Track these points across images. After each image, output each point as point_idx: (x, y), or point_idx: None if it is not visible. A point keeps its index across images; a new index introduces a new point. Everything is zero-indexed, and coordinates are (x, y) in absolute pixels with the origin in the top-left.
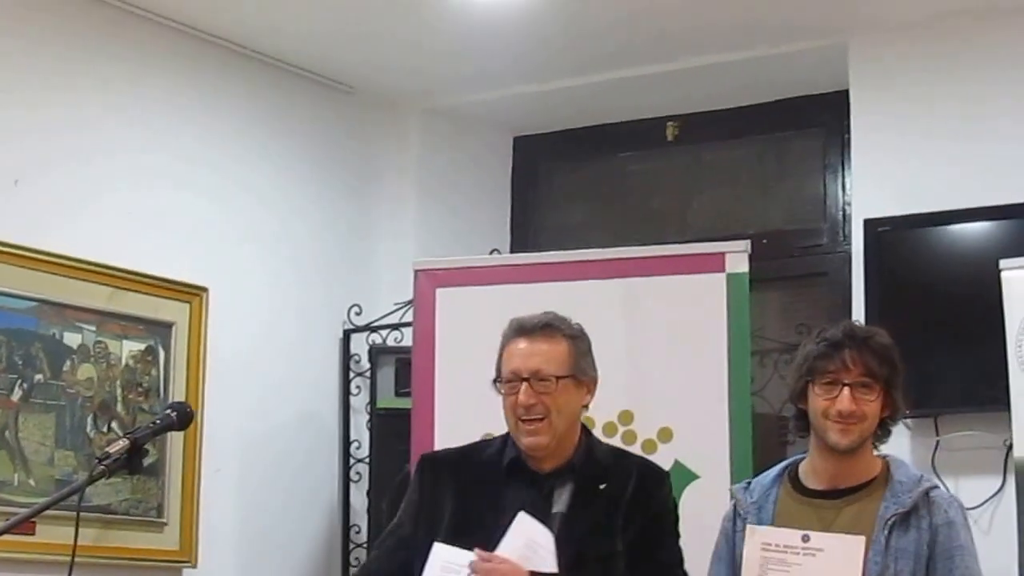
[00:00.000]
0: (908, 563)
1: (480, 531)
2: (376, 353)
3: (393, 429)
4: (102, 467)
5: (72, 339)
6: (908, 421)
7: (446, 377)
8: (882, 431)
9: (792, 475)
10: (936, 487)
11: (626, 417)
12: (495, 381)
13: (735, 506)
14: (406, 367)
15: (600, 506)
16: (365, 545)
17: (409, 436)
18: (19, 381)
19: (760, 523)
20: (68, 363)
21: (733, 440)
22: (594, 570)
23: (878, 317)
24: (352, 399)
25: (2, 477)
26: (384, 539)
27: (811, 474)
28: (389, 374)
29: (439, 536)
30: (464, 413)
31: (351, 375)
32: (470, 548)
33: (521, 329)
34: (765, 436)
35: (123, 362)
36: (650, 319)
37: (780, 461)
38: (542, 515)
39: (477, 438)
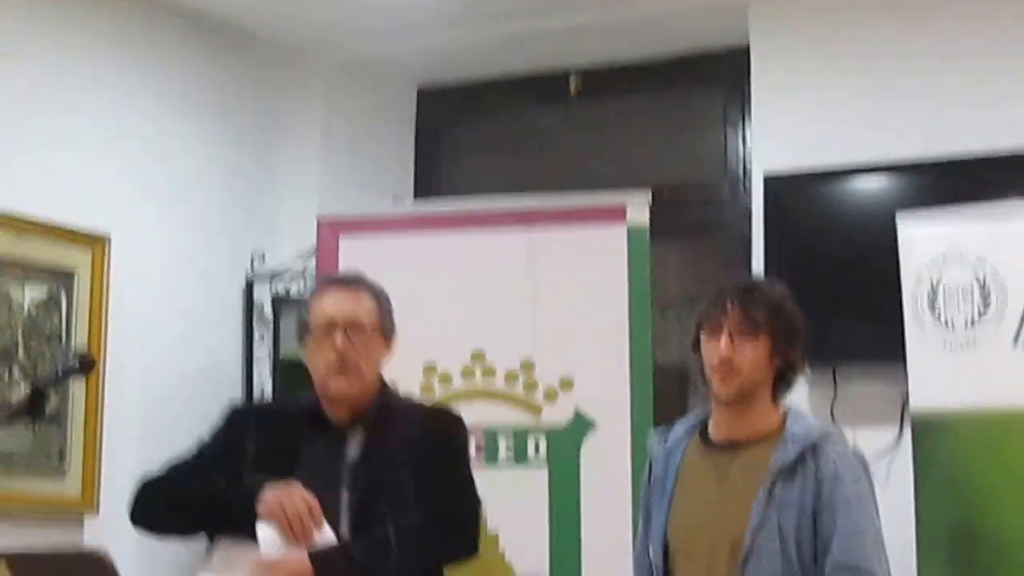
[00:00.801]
0: (792, 515)
1: (274, 478)
2: (279, 302)
3: (296, 378)
4: (3, 414)
5: None
6: (807, 373)
7: None
8: (781, 384)
9: (703, 425)
10: (829, 440)
11: (527, 366)
12: (303, 336)
13: (650, 453)
14: None
15: (388, 454)
16: None
17: (312, 386)
18: None
19: (667, 472)
20: None
21: (633, 390)
22: (383, 519)
23: (777, 270)
24: (255, 348)
25: None
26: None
27: (713, 426)
28: (292, 323)
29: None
30: None
31: (254, 324)
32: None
33: (333, 281)
34: (666, 387)
35: (25, 309)
36: (552, 269)
37: (681, 412)
38: (335, 465)
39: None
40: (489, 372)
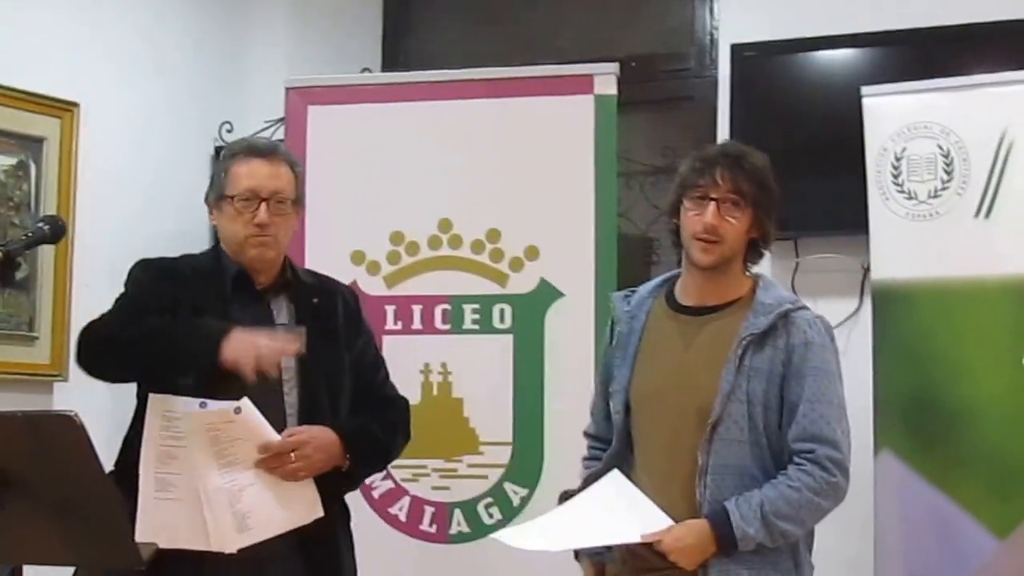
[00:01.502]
0: (761, 382)
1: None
2: None
3: None
4: None
5: None
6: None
7: (316, 195)
8: (752, 253)
9: (669, 290)
10: (800, 308)
11: (493, 235)
12: (219, 198)
13: (613, 313)
14: None
15: (318, 320)
16: None
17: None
18: None
19: (630, 333)
20: None
21: (599, 260)
22: (321, 385)
23: (742, 140)
24: None
25: None
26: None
27: (682, 291)
28: None
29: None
30: (333, 230)
31: None
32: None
33: (253, 150)
34: (630, 257)
35: (2, 177)
36: (518, 139)
37: (644, 282)
38: (268, 326)
39: (346, 255)
40: (456, 241)
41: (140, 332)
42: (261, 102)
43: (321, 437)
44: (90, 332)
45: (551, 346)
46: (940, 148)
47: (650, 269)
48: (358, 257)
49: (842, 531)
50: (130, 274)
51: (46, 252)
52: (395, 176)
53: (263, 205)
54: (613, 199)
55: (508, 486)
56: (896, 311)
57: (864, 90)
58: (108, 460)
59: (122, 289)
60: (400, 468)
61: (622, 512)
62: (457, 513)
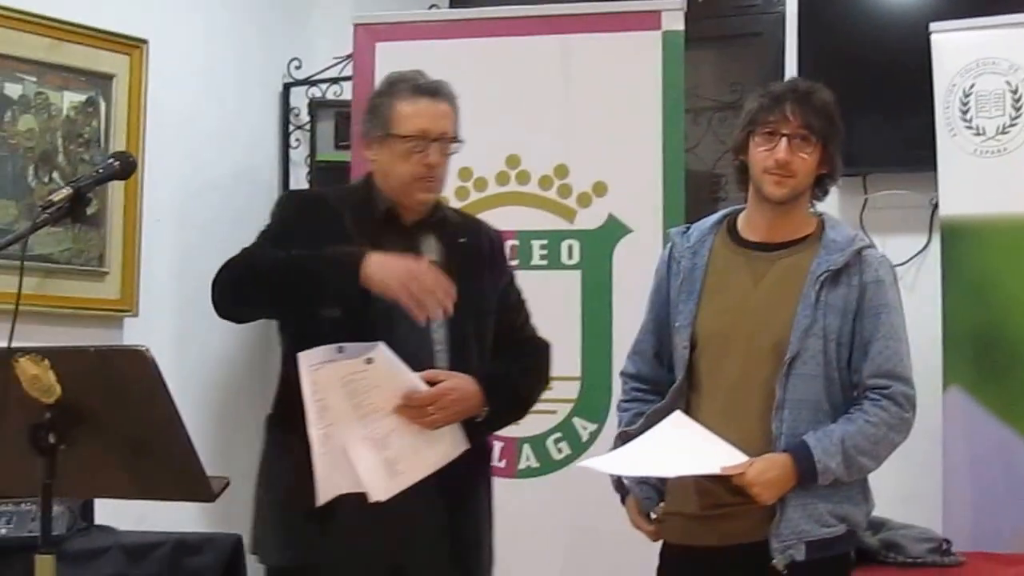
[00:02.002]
0: (836, 318)
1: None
2: (316, 107)
3: (332, 182)
4: (45, 215)
5: (12, 90)
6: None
7: None
8: (819, 189)
9: (730, 225)
10: (869, 246)
11: (561, 171)
12: (385, 135)
13: (671, 249)
14: (345, 121)
15: (466, 259)
16: None
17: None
18: None
19: (694, 268)
20: (8, 114)
21: (666, 196)
22: (469, 324)
23: (810, 77)
24: (292, 152)
25: None
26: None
27: (747, 226)
28: (329, 128)
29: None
30: None
31: (291, 128)
32: (364, 295)
33: (423, 89)
34: (697, 193)
35: (64, 113)
36: (586, 75)
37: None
38: None
39: None
40: (523, 177)
41: (279, 261)
42: (329, 39)
43: (462, 387)
44: (227, 267)
45: (619, 281)
46: (1008, 84)
47: (717, 205)
48: None
49: (910, 466)
50: (275, 207)
51: (116, 188)
52: (463, 112)
53: (432, 146)
54: (680, 135)
55: (577, 421)
56: (964, 247)
57: (932, 26)
58: (176, 393)
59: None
60: None
61: (695, 448)
62: (526, 448)
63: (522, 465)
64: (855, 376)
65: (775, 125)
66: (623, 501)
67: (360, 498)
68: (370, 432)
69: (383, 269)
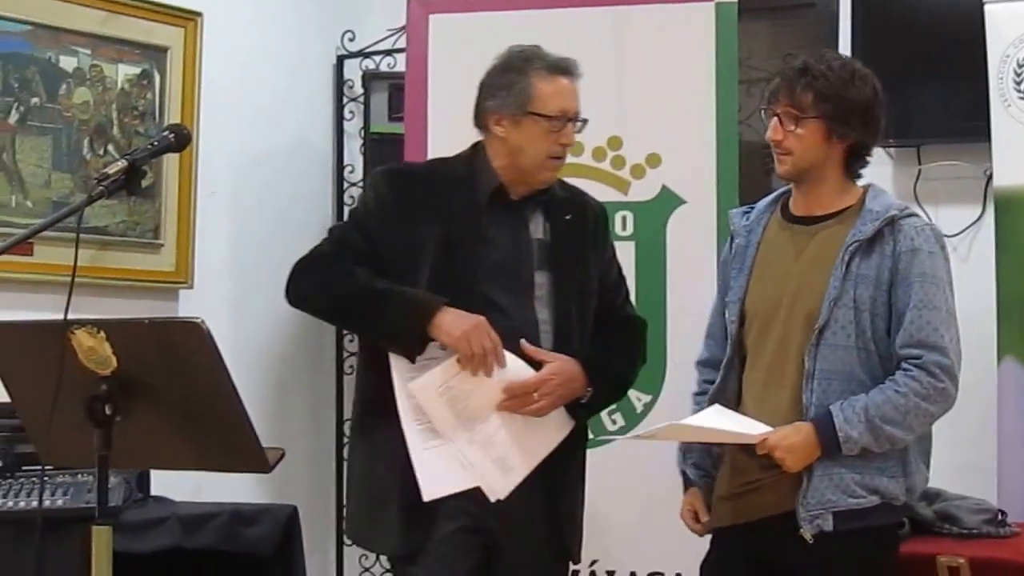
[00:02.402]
0: (868, 288)
1: (467, 258)
2: (369, 79)
3: (386, 154)
4: (101, 187)
5: (67, 63)
6: (891, 151)
7: (438, 102)
8: (853, 160)
9: (784, 202)
10: (909, 215)
11: (615, 142)
12: (524, 112)
13: (731, 230)
14: (399, 92)
15: (571, 237)
16: None
17: (401, 160)
18: (15, 104)
19: (747, 246)
20: (64, 87)
21: (719, 167)
22: (572, 304)
23: (864, 48)
24: (346, 124)
25: (0, 199)
26: (349, 238)
27: (792, 202)
28: (382, 100)
29: (422, 258)
30: (455, 138)
31: (345, 100)
32: (457, 275)
33: (560, 67)
34: (750, 164)
35: (118, 86)
36: (639, 46)
37: (765, 189)
38: (523, 240)
39: None
40: (577, 149)
41: (355, 290)
42: (383, 11)
43: (566, 370)
44: (304, 270)
45: (673, 253)
46: None
47: (770, 177)
48: None
49: (965, 437)
50: (371, 183)
51: (171, 161)
52: None
53: (570, 126)
54: (734, 106)
55: (631, 392)
56: (1018, 217)
57: None
58: (231, 365)
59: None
60: None
61: (732, 424)
62: None
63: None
64: (893, 348)
65: (771, 105)
66: (685, 491)
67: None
68: (475, 436)
69: (453, 323)
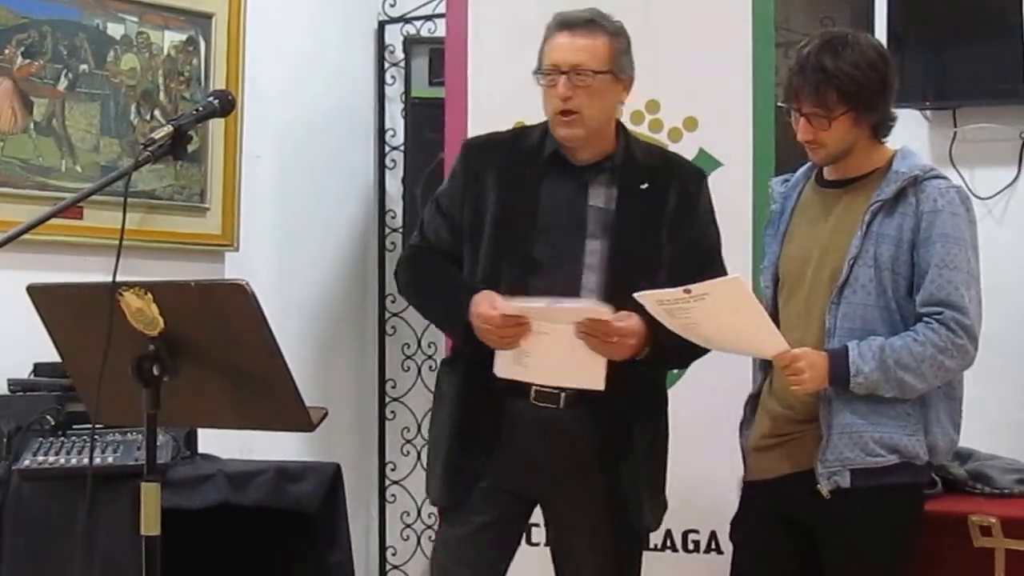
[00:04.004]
0: (889, 247)
1: (522, 220)
2: (410, 43)
3: (427, 118)
4: (147, 152)
5: (115, 30)
6: (927, 113)
7: (479, 67)
8: (879, 129)
9: (821, 167)
10: (934, 176)
11: (652, 106)
12: (536, 72)
13: (772, 198)
14: (440, 57)
15: (643, 210)
16: (400, 229)
17: (443, 125)
18: (64, 71)
19: (783, 212)
20: (111, 53)
21: (756, 130)
22: (628, 275)
23: (900, 10)
24: (387, 89)
25: (50, 163)
26: (432, 220)
27: (826, 167)
28: (423, 64)
29: (484, 226)
30: (496, 102)
31: (386, 65)
32: (511, 240)
33: (564, 23)
34: (787, 127)
35: (165, 52)
36: (676, 9)
37: (801, 151)
38: (578, 207)
39: (507, 126)
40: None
41: (417, 288)
42: None
43: (632, 328)
44: (399, 268)
45: None
46: None
47: None
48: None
49: (996, 399)
50: (455, 159)
51: (216, 125)
52: None
53: (563, 78)
54: (770, 69)
55: None
56: None
57: None
58: (276, 326)
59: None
60: None
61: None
62: None
63: None
64: (914, 307)
65: (795, 103)
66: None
67: (511, 438)
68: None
69: (477, 331)
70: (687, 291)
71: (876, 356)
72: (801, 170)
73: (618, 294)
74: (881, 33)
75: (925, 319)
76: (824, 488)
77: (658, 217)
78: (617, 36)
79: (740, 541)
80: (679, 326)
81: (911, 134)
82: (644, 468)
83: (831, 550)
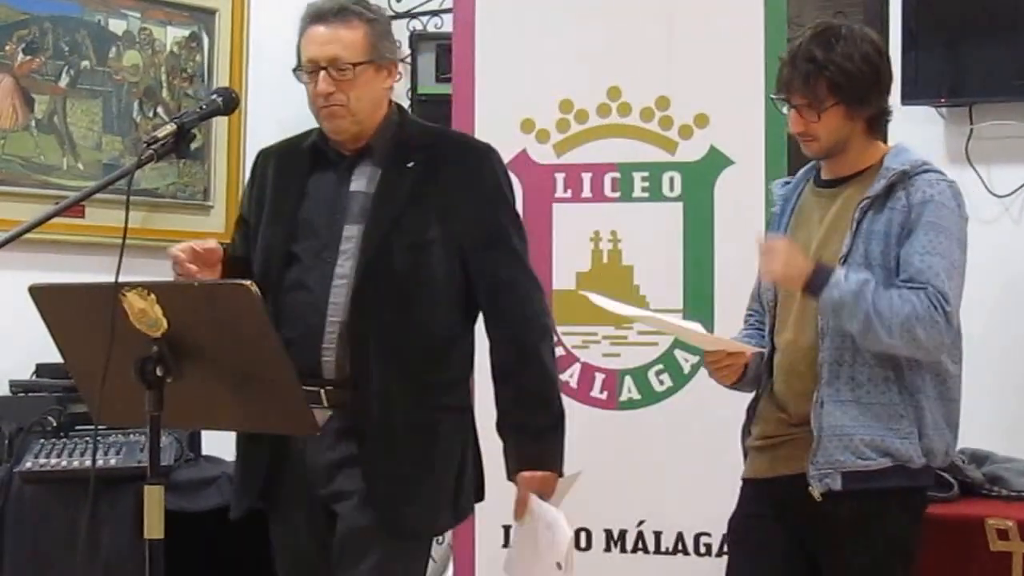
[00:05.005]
0: (879, 243)
1: (285, 217)
2: (416, 39)
3: (434, 115)
4: (150, 151)
5: (117, 26)
6: (942, 110)
7: (486, 63)
8: (875, 124)
9: (818, 167)
10: (925, 171)
11: (663, 102)
12: (296, 69)
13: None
14: (446, 53)
15: (405, 188)
16: None
17: (449, 123)
18: (66, 68)
19: (783, 214)
20: (114, 49)
21: (768, 127)
22: (388, 254)
23: (914, 5)
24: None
25: (51, 161)
26: (234, 232)
27: (823, 167)
28: (430, 60)
29: (260, 227)
30: (503, 99)
31: None
32: (276, 237)
33: (316, 15)
34: None
35: (167, 48)
36: (687, 5)
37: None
38: (340, 194)
39: (515, 124)
40: (625, 109)
41: None
42: None
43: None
44: None
45: (721, 213)
46: None
47: None
48: (527, 125)
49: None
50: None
51: (219, 122)
52: (564, 44)
53: (322, 74)
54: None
55: (678, 353)
56: None
57: None
58: None
59: None
60: (570, 335)
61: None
62: (627, 380)
63: (623, 397)
64: None
65: (786, 95)
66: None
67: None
68: None
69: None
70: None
71: (858, 284)
72: (801, 172)
73: (372, 276)
74: (896, 29)
75: (910, 286)
76: (816, 490)
77: (423, 193)
78: (373, 22)
79: (735, 538)
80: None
81: (926, 131)
82: (421, 475)
83: (825, 553)
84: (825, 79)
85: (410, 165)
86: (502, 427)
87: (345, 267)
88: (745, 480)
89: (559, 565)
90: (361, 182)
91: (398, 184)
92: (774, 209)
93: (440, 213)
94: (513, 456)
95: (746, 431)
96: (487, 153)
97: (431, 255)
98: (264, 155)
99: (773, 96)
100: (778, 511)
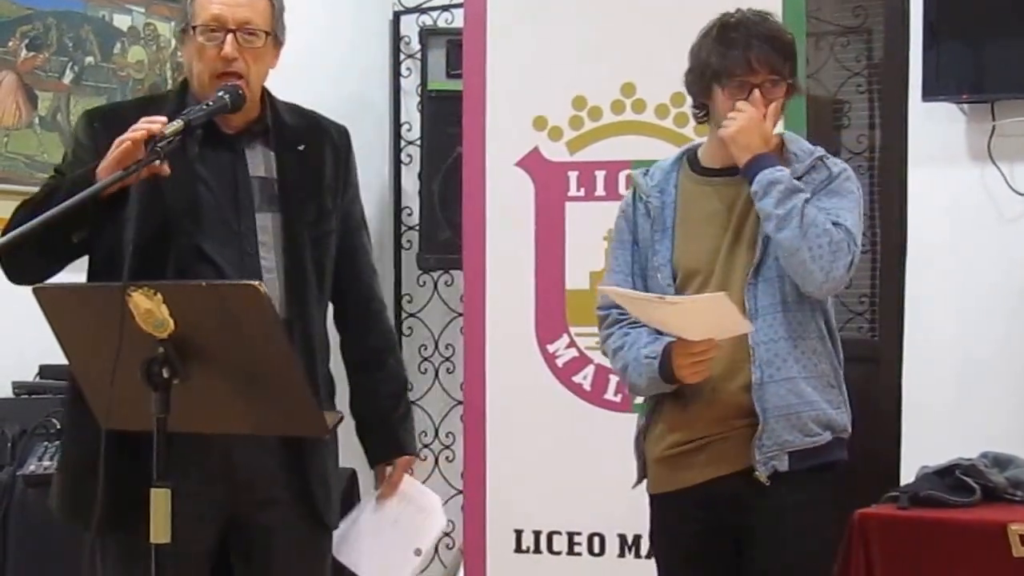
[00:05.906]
0: None
1: (175, 202)
2: (426, 35)
3: (444, 111)
4: (156, 149)
5: (122, 21)
6: (964, 107)
7: (497, 58)
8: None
9: (690, 158)
10: (831, 156)
11: (678, 99)
12: (185, 29)
13: (635, 191)
14: (457, 49)
15: (305, 173)
16: (417, 227)
17: (460, 119)
18: (70, 64)
19: (663, 206)
20: (118, 45)
21: (787, 123)
22: (306, 247)
23: (936, 3)
24: (403, 81)
25: (55, 160)
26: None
27: (710, 156)
28: (440, 56)
29: (127, 211)
30: (515, 95)
31: (401, 57)
32: (169, 222)
33: None
34: (818, 119)
35: (172, 44)
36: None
37: (833, 143)
38: (240, 178)
39: (528, 121)
40: (639, 106)
41: (41, 196)
42: None
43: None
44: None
45: None
46: None
47: (840, 132)
48: (540, 123)
49: None
50: (72, 130)
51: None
52: (577, 41)
53: (229, 37)
54: (802, 60)
55: None
56: None
57: None
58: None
59: None
60: (584, 336)
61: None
62: None
63: (638, 400)
64: None
65: (744, 77)
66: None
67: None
68: None
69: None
70: (661, 298)
71: (791, 184)
72: (666, 162)
73: (297, 269)
74: (917, 25)
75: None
76: (763, 475)
77: (320, 179)
78: None
79: (663, 555)
80: (640, 316)
81: (948, 129)
82: (332, 466)
83: (768, 539)
84: (782, 53)
85: (300, 148)
86: (372, 414)
87: (270, 259)
88: (661, 495)
89: (418, 551)
90: (259, 167)
91: (299, 170)
92: (651, 202)
93: (332, 199)
94: (391, 442)
95: (645, 439)
96: (349, 138)
97: (331, 244)
98: (102, 119)
99: (711, 80)
100: (713, 519)
